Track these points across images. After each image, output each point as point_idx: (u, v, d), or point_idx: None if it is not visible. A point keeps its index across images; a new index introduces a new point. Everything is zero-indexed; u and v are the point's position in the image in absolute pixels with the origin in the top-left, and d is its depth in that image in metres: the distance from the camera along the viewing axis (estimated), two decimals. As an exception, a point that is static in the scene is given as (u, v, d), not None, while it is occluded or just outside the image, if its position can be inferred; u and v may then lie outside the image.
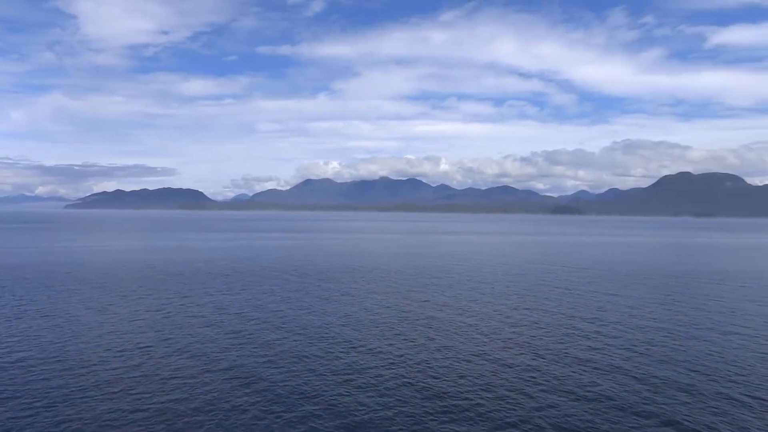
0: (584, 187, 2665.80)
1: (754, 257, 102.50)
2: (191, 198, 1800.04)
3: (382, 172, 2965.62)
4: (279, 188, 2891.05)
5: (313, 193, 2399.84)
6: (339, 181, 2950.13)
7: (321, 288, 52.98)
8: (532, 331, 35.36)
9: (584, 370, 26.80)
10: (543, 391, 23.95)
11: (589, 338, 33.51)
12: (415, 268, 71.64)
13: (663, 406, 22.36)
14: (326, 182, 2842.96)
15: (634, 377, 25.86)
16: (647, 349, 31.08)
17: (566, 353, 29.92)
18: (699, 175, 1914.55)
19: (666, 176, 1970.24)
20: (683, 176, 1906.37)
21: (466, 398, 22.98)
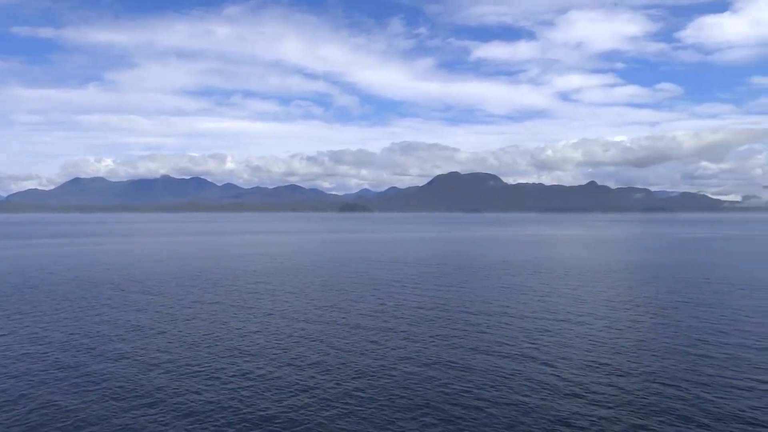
0: (367, 186, 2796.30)
1: (524, 247, 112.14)
2: None
3: (164, 171, 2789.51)
4: (41, 188, 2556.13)
5: (84, 194, 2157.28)
6: (114, 179, 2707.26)
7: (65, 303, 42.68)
8: (331, 326, 35.97)
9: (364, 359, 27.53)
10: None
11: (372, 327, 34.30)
12: (196, 272, 63.54)
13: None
14: (99, 181, 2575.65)
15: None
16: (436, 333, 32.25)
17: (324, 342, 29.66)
18: (466, 174, 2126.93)
19: (439, 175, 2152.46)
20: (453, 176, 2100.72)
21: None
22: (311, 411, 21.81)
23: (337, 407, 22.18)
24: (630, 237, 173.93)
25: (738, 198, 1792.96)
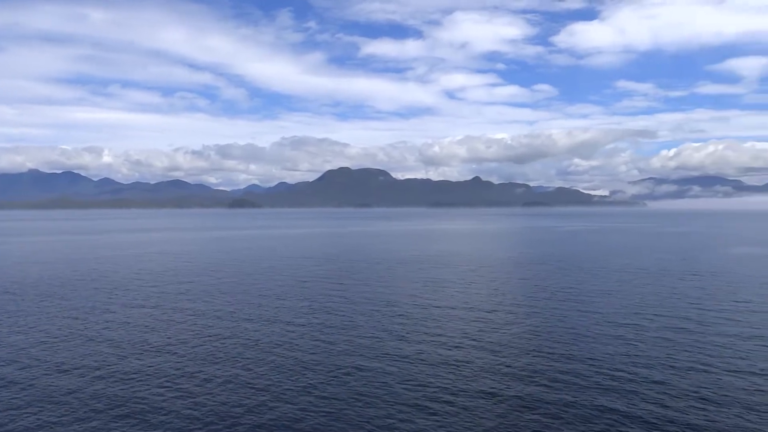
0: (255, 181, 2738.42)
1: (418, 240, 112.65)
2: None
3: (31, 164, 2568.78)
4: None
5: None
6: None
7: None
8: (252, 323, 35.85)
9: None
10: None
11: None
12: (64, 277, 57.08)
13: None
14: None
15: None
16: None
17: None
18: (356, 170, 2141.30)
19: (329, 171, 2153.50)
20: (343, 171, 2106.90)
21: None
22: (227, 405, 22.30)
23: (252, 401, 22.75)
24: (522, 230, 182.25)
25: (606, 193, 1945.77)
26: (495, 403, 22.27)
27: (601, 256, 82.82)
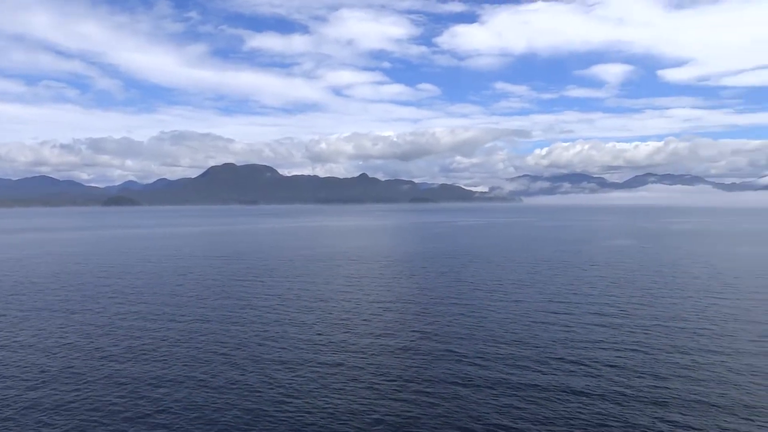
0: (132, 177, 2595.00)
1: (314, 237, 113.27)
2: None
3: None
4: None
5: None
6: None
7: None
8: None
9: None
10: None
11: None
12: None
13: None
14: None
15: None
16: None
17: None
18: (242, 166, 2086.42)
19: (213, 167, 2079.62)
20: (228, 167, 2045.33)
21: None
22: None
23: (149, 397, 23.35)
24: (421, 225, 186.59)
25: (486, 189, 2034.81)
26: (400, 388, 24.26)
27: (501, 248, 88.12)
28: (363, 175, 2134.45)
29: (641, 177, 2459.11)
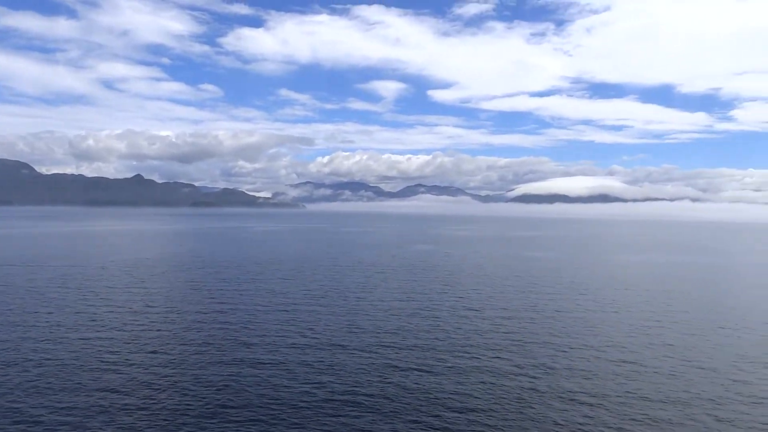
0: None
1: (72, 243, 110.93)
2: None
3: None
4: None
5: None
6: None
7: None
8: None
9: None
10: None
11: None
12: None
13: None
14: None
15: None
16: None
17: None
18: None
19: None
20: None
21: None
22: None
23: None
24: (209, 231, 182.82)
25: (269, 194, 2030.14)
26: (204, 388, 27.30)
27: (301, 254, 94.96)
28: (138, 176, 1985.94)
29: (413, 187, 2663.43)
